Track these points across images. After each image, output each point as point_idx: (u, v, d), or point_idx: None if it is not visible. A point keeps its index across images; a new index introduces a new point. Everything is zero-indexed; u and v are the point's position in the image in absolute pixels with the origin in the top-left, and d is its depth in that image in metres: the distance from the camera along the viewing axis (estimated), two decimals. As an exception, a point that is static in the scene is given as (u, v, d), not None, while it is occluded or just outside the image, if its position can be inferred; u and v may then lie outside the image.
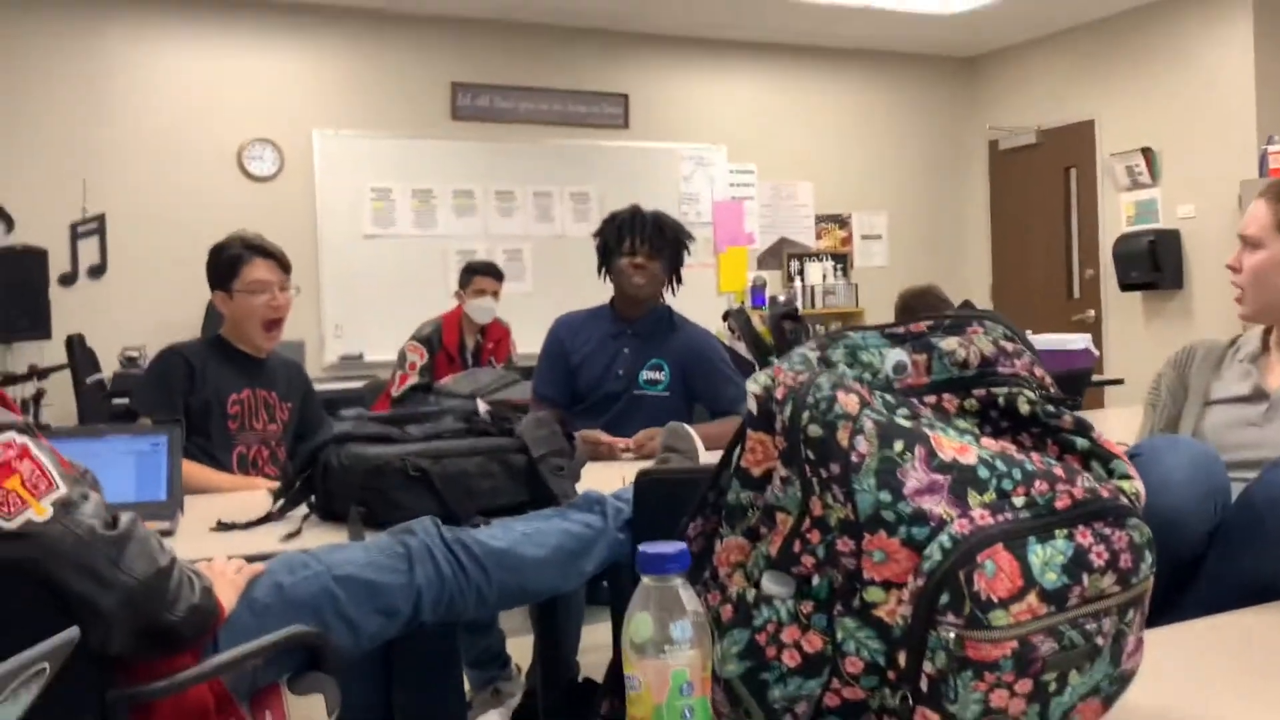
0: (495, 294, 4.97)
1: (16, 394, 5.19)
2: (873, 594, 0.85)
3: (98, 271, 5.85)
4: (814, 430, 0.88)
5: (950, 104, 8.12)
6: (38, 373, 5.26)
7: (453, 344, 4.89)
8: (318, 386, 3.24)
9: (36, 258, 5.46)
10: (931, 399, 0.97)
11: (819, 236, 7.77)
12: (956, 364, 0.98)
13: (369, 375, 5.82)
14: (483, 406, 3.29)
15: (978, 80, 8.13)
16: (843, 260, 7.79)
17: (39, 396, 5.30)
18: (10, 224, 5.64)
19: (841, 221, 7.83)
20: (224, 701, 1.45)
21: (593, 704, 1.04)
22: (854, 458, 0.86)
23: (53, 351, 5.49)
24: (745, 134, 7.48)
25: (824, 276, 7.63)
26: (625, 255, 3.00)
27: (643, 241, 2.98)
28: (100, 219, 5.82)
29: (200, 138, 6.06)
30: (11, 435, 1.29)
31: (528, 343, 5.02)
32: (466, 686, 2.59)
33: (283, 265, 2.83)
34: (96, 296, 5.81)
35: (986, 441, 0.92)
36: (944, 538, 0.83)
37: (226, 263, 2.79)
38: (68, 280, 5.76)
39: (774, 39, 7.43)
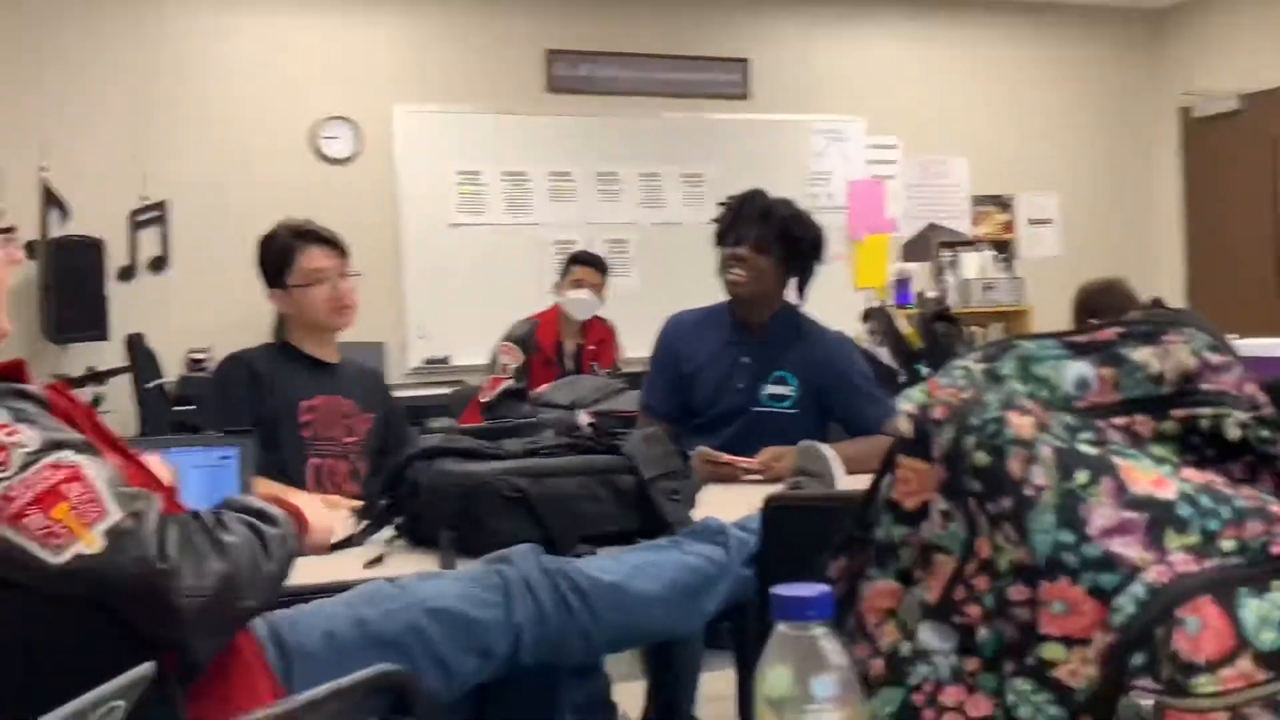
0: (597, 288, 5.01)
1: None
2: (1051, 651, 0.84)
3: (159, 265, 6.09)
4: (980, 458, 0.88)
5: (1134, 64, 7.91)
6: (95, 376, 5.48)
7: (550, 346, 4.95)
8: (400, 394, 3.32)
9: (93, 249, 5.72)
10: (1121, 421, 0.95)
11: (976, 222, 7.65)
12: (1151, 379, 0.96)
13: (457, 381, 5.93)
14: (584, 419, 3.32)
15: (1167, 36, 7.90)
16: (1005, 249, 7.65)
17: (96, 402, 5.53)
18: (65, 212, 5.90)
19: (1003, 204, 7.70)
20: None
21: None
22: (1029, 491, 0.85)
23: (111, 353, 5.74)
24: (886, 103, 7.40)
25: (982, 269, 7.50)
26: (727, 247, 3.01)
27: (745, 232, 2.97)
28: (161, 206, 6.06)
29: (269, 117, 6.26)
30: (61, 455, 1.35)
31: (635, 346, 5.06)
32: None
33: (339, 250, 2.90)
34: (158, 292, 6.04)
35: (1188, 473, 0.90)
36: (1138, 587, 0.81)
37: (277, 256, 2.88)
38: (127, 274, 6.00)
39: (922, -9, 7.36)
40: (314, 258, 2.86)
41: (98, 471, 1.37)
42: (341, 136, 6.41)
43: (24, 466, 1.33)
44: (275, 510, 1.56)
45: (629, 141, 6.91)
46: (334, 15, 6.40)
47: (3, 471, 1.31)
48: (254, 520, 1.51)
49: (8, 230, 1.57)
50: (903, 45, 7.48)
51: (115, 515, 1.34)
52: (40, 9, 5.92)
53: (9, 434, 1.34)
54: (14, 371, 1.47)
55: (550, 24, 6.78)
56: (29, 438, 1.35)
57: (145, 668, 1.06)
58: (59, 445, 1.36)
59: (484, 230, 6.63)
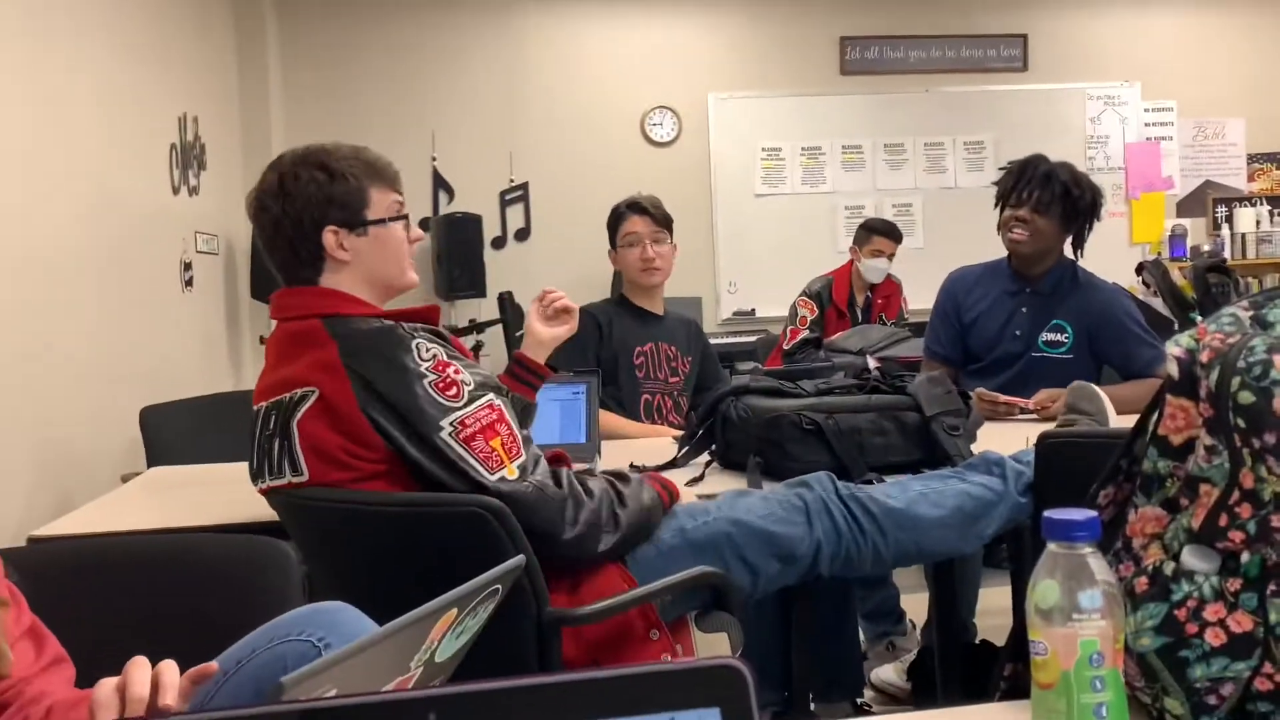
0: (891, 256, 4.91)
1: (456, 346, 5.82)
2: (1315, 577, 0.78)
3: (523, 235, 6.43)
4: (1245, 397, 0.82)
5: None
6: (476, 327, 5.88)
7: (842, 300, 4.89)
8: (713, 341, 3.38)
9: (472, 223, 6.11)
10: (1394, 365, 0.86)
11: (1252, 179, 6.92)
12: None
13: (761, 330, 5.97)
14: (873, 363, 3.27)
15: None
16: (1281, 204, 6.90)
17: (478, 348, 5.94)
18: (451, 193, 6.34)
19: (1280, 160, 6.93)
20: (648, 627, 1.59)
21: (990, 666, 1.03)
22: (1294, 428, 0.79)
23: (487, 308, 6.14)
24: (1163, 68, 6.79)
25: (1258, 223, 6.78)
26: (1009, 208, 2.87)
27: (1027, 195, 2.81)
28: (524, 187, 6.40)
29: (607, 109, 6.45)
30: (492, 397, 1.56)
31: (918, 299, 4.92)
32: (861, 638, 2.62)
33: (655, 219, 2.97)
34: (522, 257, 6.39)
35: None
36: (1406, 521, 0.74)
37: (612, 222, 3.01)
38: (498, 243, 6.38)
39: (1200, -41, 6.68)
40: (632, 224, 2.96)
41: (511, 415, 1.58)
42: (665, 123, 6.53)
43: (470, 400, 1.54)
44: (629, 473, 1.73)
45: (914, 115, 6.66)
46: (656, 20, 6.50)
47: (456, 402, 1.53)
48: (613, 479, 1.68)
49: (403, 216, 1.73)
50: (1177, 11, 6.82)
51: (524, 456, 1.56)
52: (428, 29, 6.34)
53: (455, 372, 1.54)
54: (431, 314, 1.65)
55: (843, 14, 6.63)
56: (467, 377, 1.56)
57: (518, 559, 1.15)
58: (487, 387, 1.57)
59: (784, 199, 6.59)
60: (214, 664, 1.05)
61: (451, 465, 1.51)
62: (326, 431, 1.54)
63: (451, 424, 1.52)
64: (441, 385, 1.53)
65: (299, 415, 1.55)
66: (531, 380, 2.06)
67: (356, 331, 1.57)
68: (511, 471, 1.53)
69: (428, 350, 1.56)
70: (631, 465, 2.19)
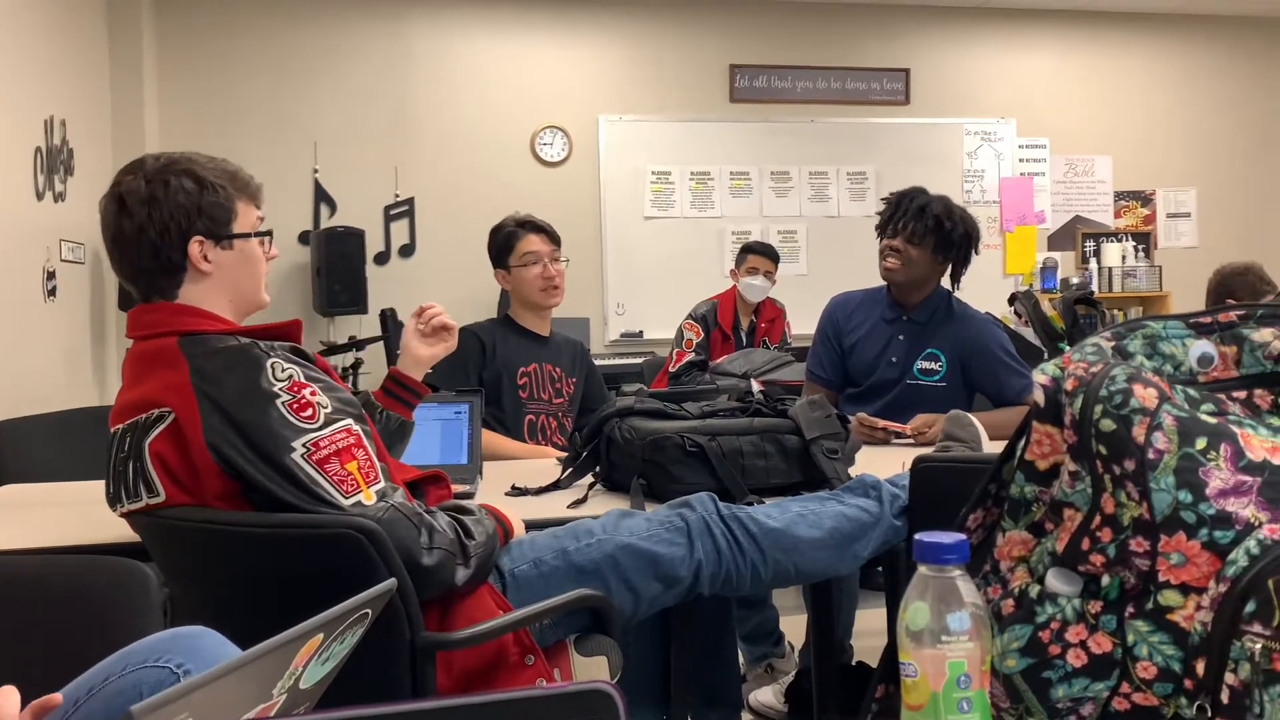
0: (768, 274, 4.99)
1: (337, 362, 5.70)
2: (1169, 597, 0.81)
3: (408, 251, 6.34)
4: (1106, 424, 0.85)
5: (1268, 69, 7.37)
6: (356, 343, 5.76)
7: (727, 323, 4.96)
8: (600, 362, 3.38)
9: (355, 237, 5.99)
10: (1241, 394, 0.90)
11: (1118, 215, 7.27)
12: (1271, 357, 0.91)
13: (648, 352, 6.00)
14: (756, 386, 3.31)
15: (1309, 40, 7.32)
16: (1145, 240, 7.26)
17: (357, 365, 5.82)
18: (333, 206, 6.22)
19: (1144, 199, 7.30)
20: (525, 652, 1.57)
21: (866, 688, 1.04)
22: (1151, 454, 0.82)
23: (369, 325, 6.02)
24: (1037, 107, 7.11)
25: (1123, 258, 7.14)
26: (885, 238, 2.96)
27: (902, 226, 2.91)
28: (410, 202, 6.31)
29: (497, 126, 6.43)
30: (350, 423, 1.50)
31: (801, 324, 5.02)
32: (741, 660, 2.64)
33: (552, 238, 2.98)
34: (406, 274, 6.30)
35: (1305, 443, 0.85)
36: (1251, 542, 0.78)
37: (502, 241, 2.99)
38: (381, 259, 6.28)
39: (1069, 5, 7.01)
40: (530, 242, 2.95)
41: (370, 443, 1.52)
42: (555, 143, 6.54)
43: (326, 424, 1.48)
44: (469, 504, 1.67)
45: (800, 144, 6.82)
46: (549, 39, 6.52)
47: (311, 424, 1.47)
48: (454, 512, 1.62)
49: (268, 233, 1.70)
50: (1052, 54, 7.15)
51: (382, 483, 1.50)
52: (312, 38, 6.22)
53: (311, 394, 1.49)
54: (292, 328, 1.60)
55: (733, 42, 6.75)
56: (325, 400, 1.50)
57: (389, 583, 1.12)
58: (346, 412, 1.51)
59: (673, 222, 6.66)
60: (58, 695, 0.99)
61: (304, 488, 1.45)
62: (176, 454, 1.49)
63: (304, 445, 1.46)
64: (296, 406, 1.48)
65: (151, 437, 1.50)
66: (407, 398, 2.02)
67: (210, 351, 1.52)
68: (369, 496, 1.47)
69: (283, 370, 1.50)
70: (514, 487, 2.18)
